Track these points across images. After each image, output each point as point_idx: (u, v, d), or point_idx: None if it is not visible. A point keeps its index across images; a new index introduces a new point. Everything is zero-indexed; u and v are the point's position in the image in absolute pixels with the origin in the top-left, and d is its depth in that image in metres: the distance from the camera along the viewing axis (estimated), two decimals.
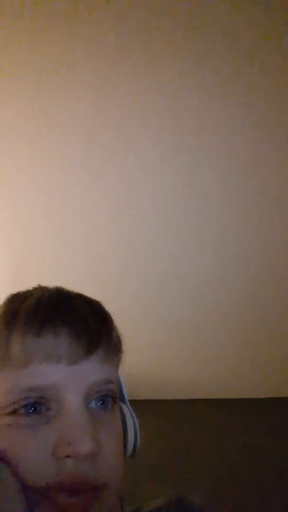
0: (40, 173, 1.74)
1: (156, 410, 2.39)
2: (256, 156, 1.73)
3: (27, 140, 1.65)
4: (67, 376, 0.43)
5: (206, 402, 2.56)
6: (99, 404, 0.45)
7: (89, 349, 0.44)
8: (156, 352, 2.38)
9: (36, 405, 0.42)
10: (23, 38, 1.42)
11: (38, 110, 1.58)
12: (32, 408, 0.42)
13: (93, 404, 0.45)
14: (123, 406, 0.53)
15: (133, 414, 0.54)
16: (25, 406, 0.42)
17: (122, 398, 0.54)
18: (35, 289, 0.50)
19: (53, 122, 1.61)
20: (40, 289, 0.50)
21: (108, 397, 0.46)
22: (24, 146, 1.67)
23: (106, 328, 0.47)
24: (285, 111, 1.62)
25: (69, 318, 0.45)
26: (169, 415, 2.47)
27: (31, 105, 1.57)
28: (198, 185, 1.81)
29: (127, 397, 0.55)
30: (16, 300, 0.48)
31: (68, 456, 0.40)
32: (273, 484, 2.16)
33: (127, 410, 0.54)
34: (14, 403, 0.42)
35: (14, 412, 0.42)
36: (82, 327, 0.45)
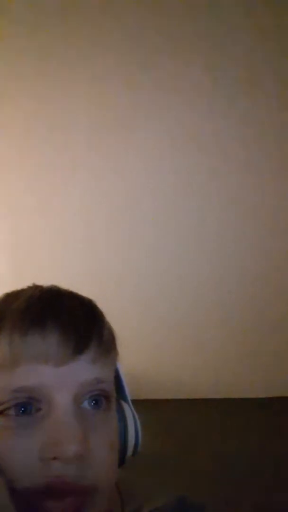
0: (41, 174, 1.74)
1: (156, 410, 2.39)
2: (256, 156, 1.73)
3: (28, 140, 1.65)
4: (55, 377, 0.42)
5: (206, 402, 2.56)
6: (92, 404, 0.44)
7: (78, 349, 0.43)
8: (156, 352, 2.38)
9: (26, 406, 0.42)
10: (24, 39, 1.42)
11: (39, 111, 1.58)
12: (23, 409, 0.42)
13: (86, 404, 0.44)
14: (124, 405, 0.53)
15: (135, 413, 0.53)
16: (14, 406, 0.42)
17: (124, 397, 0.54)
18: (28, 288, 0.50)
19: (54, 122, 1.61)
20: (33, 288, 0.49)
21: (101, 396, 0.45)
22: (25, 146, 1.67)
23: (97, 328, 0.46)
24: (286, 111, 1.62)
25: (58, 318, 0.44)
26: (169, 415, 2.47)
27: (32, 106, 1.57)
28: (198, 185, 1.80)
29: (129, 396, 0.54)
30: (8, 299, 0.47)
31: (55, 458, 0.40)
32: (273, 484, 2.15)
33: (128, 408, 0.53)
34: (3, 403, 0.42)
35: (3, 413, 0.42)
36: (71, 327, 0.44)
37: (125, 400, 0.54)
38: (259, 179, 1.79)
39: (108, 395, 0.46)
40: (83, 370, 0.44)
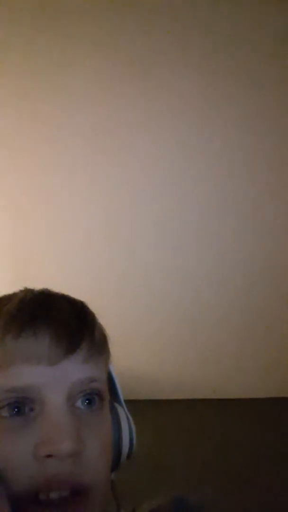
0: (41, 175, 1.75)
1: (156, 410, 2.39)
2: (257, 156, 1.74)
3: (28, 142, 1.65)
4: (48, 377, 0.43)
5: (206, 402, 2.56)
6: (86, 403, 0.45)
7: (69, 349, 0.44)
8: (156, 352, 2.39)
9: (19, 406, 0.42)
10: (23, 39, 1.43)
11: (39, 112, 1.58)
12: (16, 410, 0.42)
13: (79, 403, 0.45)
14: (118, 407, 0.53)
15: (129, 416, 0.54)
16: (8, 406, 0.42)
17: (117, 399, 0.54)
18: (20, 291, 0.51)
19: (54, 124, 1.61)
20: (25, 291, 0.50)
21: (94, 395, 0.46)
22: (25, 148, 1.67)
23: (88, 328, 0.47)
24: (286, 112, 1.62)
25: (49, 319, 0.45)
26: (169, 415, 2.47)
27: (32, 108, 1.57)
28: (200, 187, 1.81)
29: (122, 398, 0.55)
30: (0, 303, 0.48)
31: (50, 456, 0.40)
32: (273, 484, 2.16)
33: (122, 411, 0.53)
34: None
35: None
36: (62, 327, 0.45)
37: (119, 402, 0.54)
38: (260, 180, 1.80)
39: (101, 394, 0.47)
40: (75, 370, 0.44)
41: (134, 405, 0.58)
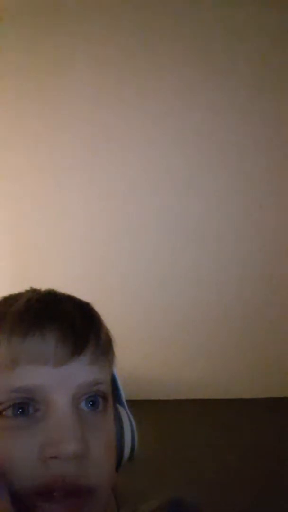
0: (41, 175, 1.75)
1: (156, 410, 2.39)
2: (256, 156, 1.74)
3: (29, 142, 1.65)
4: (54, 378, 0.43)
5: (206, 402, 2.56)
6: (90, 405, 0.45)
7: (76, 351, 0.44)
8: (155, 352, 2.39)
9: (24, 406, 0.43)
10: (23, 40, 1.43)
11: (38, 112, 1.58)
12: (20, 410, 0.42)
13: (83, 405, 0.45)
14: (121, 409, 0.53)
15: (131, 417, 0.54)
16: (12, 407, 0.42)
17: (120, 401, 0.54)
18: (26, 291, 0.51)
19: (54, 124, 1.61)
20: (31, 292, 0.50)
21: (98, 397, 0.46)
22: (25, 148, 1.67)
23: (94, 330, 0.47)
24: (287, 111, 1.62)
25: (56, 320, 0.45)
26: (169, 415, 2.47)
27: (32, 108, 1.57)
28: (200, 186, 1.81)
29: (125, 400, 0.55)
30: (6, 302, 0.48)
31: (54, 457, 0.40)
32: (273, 484, 2.16)
33: (125, 413, 0.53)
34: (1, 404, 0.42)
35: (1, 414, 0.42)
36: (69, 329, 0.45)
37: (122, 404, 0.54)
38: (260, 179, 1.80)
39: (105, 396, 0.47)
40: (81, 371, 0.44)
41: (134, 405, 0.58)
